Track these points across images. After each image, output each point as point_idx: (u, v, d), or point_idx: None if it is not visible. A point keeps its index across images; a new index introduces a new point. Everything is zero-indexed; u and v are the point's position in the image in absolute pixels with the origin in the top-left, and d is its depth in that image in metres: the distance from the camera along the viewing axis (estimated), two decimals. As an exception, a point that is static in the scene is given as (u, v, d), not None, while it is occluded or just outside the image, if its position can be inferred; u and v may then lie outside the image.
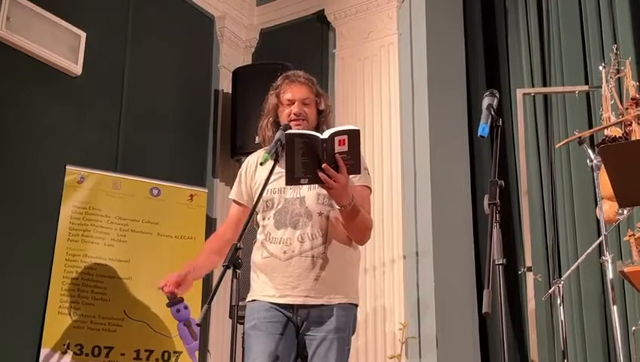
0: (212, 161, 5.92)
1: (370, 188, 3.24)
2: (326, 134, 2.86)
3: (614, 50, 4.40)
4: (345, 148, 2.85)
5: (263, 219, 3.18)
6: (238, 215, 3.30)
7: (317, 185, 2.99)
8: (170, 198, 5.18)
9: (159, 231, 5.07)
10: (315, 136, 2.87)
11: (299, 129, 3.09)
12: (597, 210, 4.04)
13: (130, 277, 4.86)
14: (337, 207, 2.98)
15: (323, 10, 5.90)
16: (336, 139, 2.84)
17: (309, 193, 3.08)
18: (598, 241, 4.11)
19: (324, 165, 2.84)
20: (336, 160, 2.85)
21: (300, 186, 3.06)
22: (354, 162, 2.89)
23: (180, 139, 5.67)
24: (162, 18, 5.70)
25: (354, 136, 2.86)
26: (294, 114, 3.18)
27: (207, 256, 3.30)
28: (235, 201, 3.34)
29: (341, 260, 3.09)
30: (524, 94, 5.05)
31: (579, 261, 4.32)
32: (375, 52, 5.55)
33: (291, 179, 2.89)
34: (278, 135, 3.05)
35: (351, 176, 2.95)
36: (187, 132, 5.75)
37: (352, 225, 3.04)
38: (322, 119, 3.26)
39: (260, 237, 3.19)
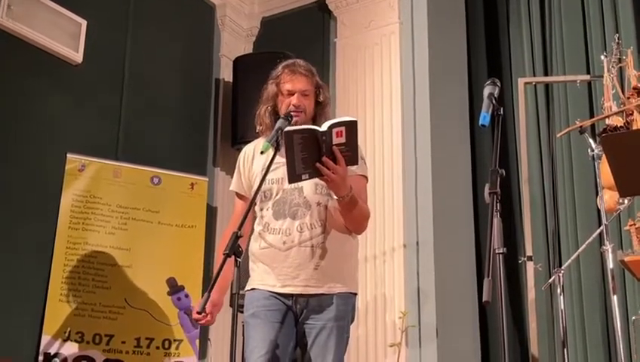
0: (213, 149, 5.93)
1: (366, 178, 3.25)
2: (324, 126, 2.85)
3: (616, 40, 4.38)
4: (342, 139, 2.85)
5: (261, 209, 3.18)
6: (243, 209, 3.27)
7: None
8: (171, 187, 5.19)
9: (160, 220, 5.07)
10: (312, 129, 2.86)
11: (296, 121, 3.09)
12: (597, 200, 4.04)
13: (130, 265, 4.87)
14: (335, 197, 2.98)
15: (324, -2, 5.90)
16: (334, 131, 2.84)
17: (307, 183, 3.08)
18: (598, 231, 4.11)
19: (323, 158, 2.84)
20: (333, 152, 2.85)
21: (299, 178, 3.07)
22: (352, 153, 2.90)
23: (181, 128, 5.67)
24: (163, 6, 5.69)
25: (351, 127, 2.86)
26: (294, 105, 3.17)
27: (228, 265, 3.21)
28: (237, 195, 3.35)
29: (340, 249, 3.10)
30: (525, 83, 5.03)
31: (579, 250, 4.31)
32: (376, 41, 5.54)
33: (293, 177, 2.89)
34: (278, 124, 3.05)
35: (348, 166, 2.95)
36: (188, 120, 5.75)
37: (349, 215, 3.05)
38: (320, 111, 3.26)
39: (257, 228, 3.18)
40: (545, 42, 5.58)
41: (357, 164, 2.99)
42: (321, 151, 2.85)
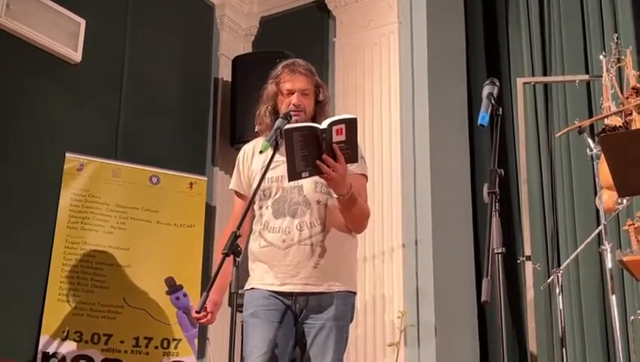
0: (212, 149, 5.92)
1: (366, 177, 3.25)
2: (324, 124, 2.86)
3: (615, 40, 4.38)
4: (342, 137, 2.85)
5: (260, 208, 3.18)
6: (242, 208, 3.27)
7: None
8: (170, 186, 5.19)
9: (159, 219, 5.07)
10: (312, 127, 2.86)
11: (296, 120, 3.09)
12: (596, 200, 4.04)
13: (129, 264, 4.86)
14: (335, 195, 2.98)
15: (323, -2, 5.90)
16: (334, 128, 2.84)
17: (307, 181, 3.08)
18: (597, 231, 4.11)
19: (324, 156, 2.84)
20: (333, 149, 2.85)
21: (299, 176, 3.06)
22: (351, 151, 2.90)
23: (180, 127, 5.66)
24: (162, 5, 5.69)
25: (351, 124, 2.86)
26: (294, 104, 3.17)
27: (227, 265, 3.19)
28: (236, 193, 3.35)
29: (339, 248, 3.10)
30: (524, 83, 5.03)
31: (578, 250, 4.32)
32: (375, 41, 5.54)
33: (293, 175, 2.89)
34: (277, 123, 3.04)
35: (348, 165, 2.95)
36: (187, 120, 5.75)
37: (349, 213, 3.04)
38: (320, 110, 3.26)
39: (257, 226, 3.18)
40: (544, 42, 5.58)
41: (357, 161, 2.99)
42: (321, 148, 2.85)
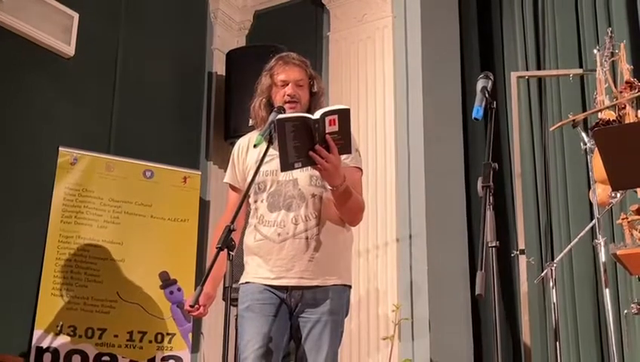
0: (205, 143, 5.91)
1: (361, 170, 3.24)
2: (317, 114, 2.84)
3: (609, 34, 4.38)
4: (335, 128, 2.84)
5: (255, 201, 3.17)
6: (237, 202, 3.27)
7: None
8: (164, 181, 5.18)
9: (152, 214, 5.06)
10: (304, 117, 2.85)
11: (292, 112, 3.08)
12: (590, 193, 4.05)
13: (123, 259, 4.86)
14: (329, 187, 2.98)
15: (317, -8, 5.88)
16: (327, 119, 2.83)
17: (302, 175, 3.07)
18: (590, 224, 4.12)
19: (316, 146, 2.83)
20: (326, 140, 2.85)
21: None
22: (344, 142, 2.89)
23: (174, 121, 5.65)
24: (156, -1, 5.68)
25: (344, 115, 2.85)
26: (288, 95, 3.16)
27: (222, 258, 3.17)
28: (231, 187, 3.34)
29: (334, 241, 3.09)
30: (518, 77, 5.03)
31: (572, 244, 4.32)
32: (369, 35, 5.53)
33: (286, 165, 2.88)
34: (271, 117, 3.04)
35: (343, 157, 2.95)
36: (181, 114, 5.74)
37: (344, 206, 3.04)
38: (315, 102, 3.25)
39: (252, 220, 3.18)
40: (538, 36, 5.58)
41: (350, 152, 2.98)
42: (314, 139, 2.83)
